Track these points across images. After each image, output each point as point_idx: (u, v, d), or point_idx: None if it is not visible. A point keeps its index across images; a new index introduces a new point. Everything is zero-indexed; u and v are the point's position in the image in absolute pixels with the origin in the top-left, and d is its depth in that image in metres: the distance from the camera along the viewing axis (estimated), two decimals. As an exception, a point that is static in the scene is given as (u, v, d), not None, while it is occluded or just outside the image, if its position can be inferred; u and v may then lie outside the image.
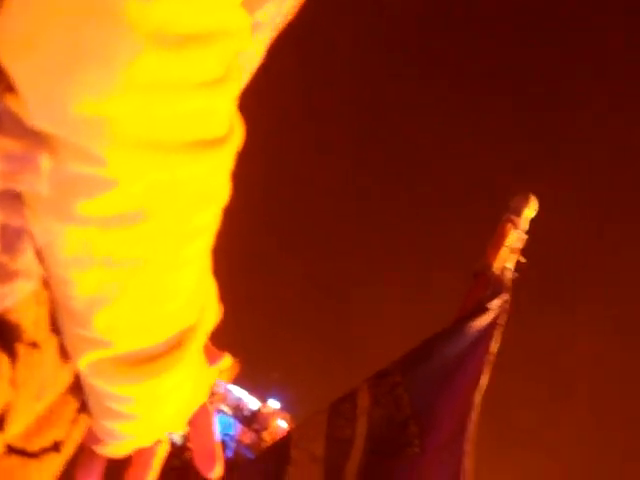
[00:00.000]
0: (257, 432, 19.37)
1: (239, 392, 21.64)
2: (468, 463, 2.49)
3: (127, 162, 0.59)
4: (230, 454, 16.09)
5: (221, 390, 18.99)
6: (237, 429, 18.15)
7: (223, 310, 0.84)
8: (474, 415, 2.55)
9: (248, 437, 18.42)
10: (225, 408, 18.88)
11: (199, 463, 0.87)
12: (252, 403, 21.76)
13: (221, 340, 0.90)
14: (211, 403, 0.91)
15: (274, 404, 21.89)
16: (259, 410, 21.20)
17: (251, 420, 20.06)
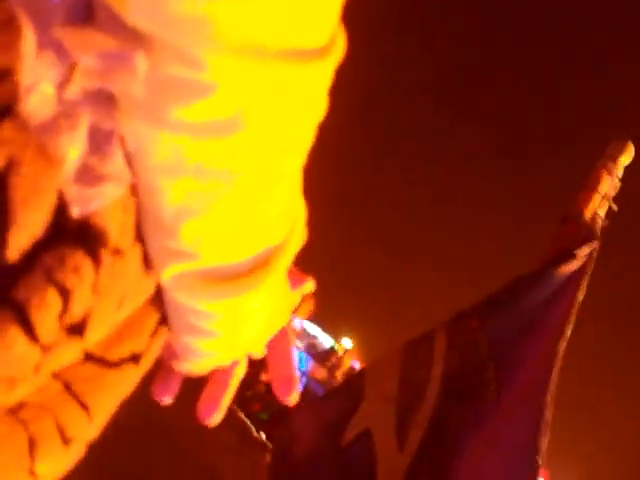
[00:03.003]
0: (329, 370, 19.61)
1: (314, 329, 21.91)
2: (549, 415, 2.45)
3: (227, 67, 0.57)
4: (301, 389, 16.33)
5: (296, 326, 19.24)
6: (310, 365, 18.39)
7: (308, 237, 0.82)
8: (557, 366, 2.50)
9: (320, 374, 18.65)
10: (299, 344, 19.14)
11: (277, 388, 0.87)
12: (326, 341, 22.02)
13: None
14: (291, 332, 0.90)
15: (348, 343, 22.09)
16: (333, 348, 21.44)
17: (324, 358, 20.30)
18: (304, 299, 0.90)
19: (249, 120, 0.60)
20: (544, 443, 2.41)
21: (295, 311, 0.88)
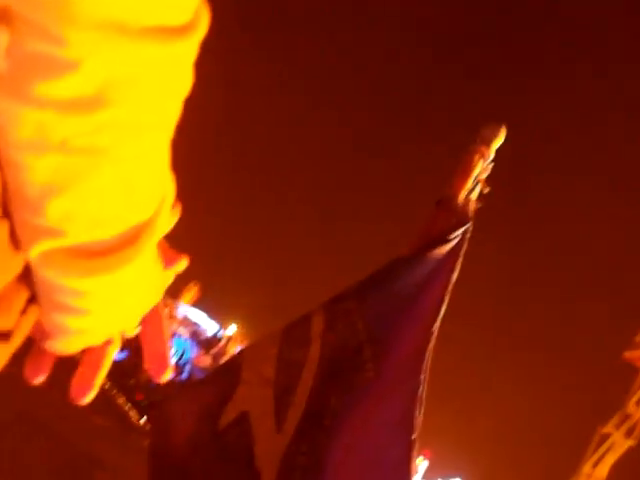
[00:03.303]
0: (214, 357, 19.43)
1: (199, 316, 21.66)
2: (423, 393, 2.51)
3: (88, 44, 0.58)
4: (185, 377, 16.15)
5: (180, 313, 19.00)
6: (194, 353, 18.20)
7: (181, 214, 0.82)
8: (432, 345, 2.56)
9: (205, 361, 18.48)
10: (183, 331, 18.91)
11: (149, 366, 0.85)
12: (211, 327, 21.79)
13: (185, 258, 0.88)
14: (169, 320, 0.89)
15: (233, 329, 21.94)
16: (217, 335, 21.25)
17: (209, 344, 20.09)
18: (189, 285, 0.89)
19: (114, 97, 0.60)
20: (419, 419, 2.47)
21: (174, 292, 0.87)
